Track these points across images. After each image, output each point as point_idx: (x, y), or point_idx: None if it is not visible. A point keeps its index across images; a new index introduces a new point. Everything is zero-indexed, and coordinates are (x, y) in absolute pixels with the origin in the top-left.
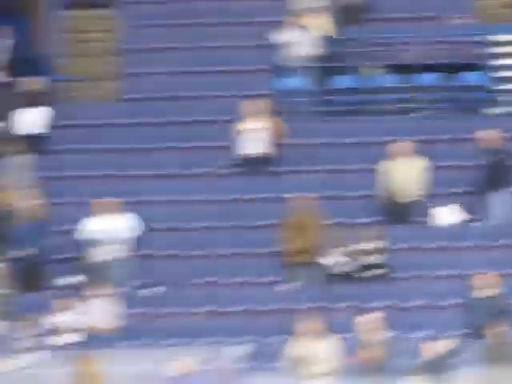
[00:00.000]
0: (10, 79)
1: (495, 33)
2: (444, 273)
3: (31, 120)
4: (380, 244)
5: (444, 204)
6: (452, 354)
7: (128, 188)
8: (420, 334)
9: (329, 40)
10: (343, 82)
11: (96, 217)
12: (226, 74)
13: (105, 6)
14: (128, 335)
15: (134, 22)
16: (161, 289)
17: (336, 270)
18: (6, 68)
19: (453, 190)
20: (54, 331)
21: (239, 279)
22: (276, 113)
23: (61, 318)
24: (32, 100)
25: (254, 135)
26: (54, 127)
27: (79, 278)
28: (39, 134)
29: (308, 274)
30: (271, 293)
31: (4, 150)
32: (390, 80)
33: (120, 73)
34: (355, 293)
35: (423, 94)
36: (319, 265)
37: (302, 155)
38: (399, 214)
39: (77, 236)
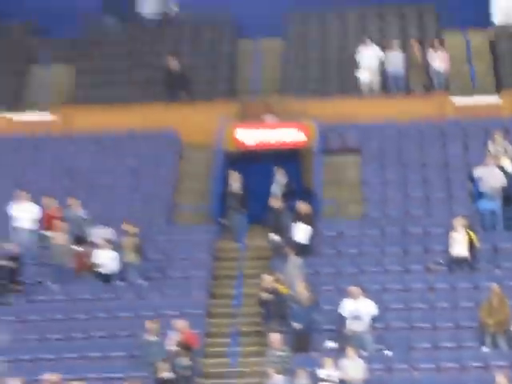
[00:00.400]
0: (286, 204)
1: None
2: None
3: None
4: None
5: None
6: None
7: (369, 279)
8: None
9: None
10: None
11: (349, 300)
12: (441, 198)
13: (352, 152)
14: None
15: (374, 162)
16: (390, 351)
17: None
18: (283, 196)
19: None
20: (321, 382)
21: (453, 344)
22: (475, 226)
23: (325, 372)
24: (301, 218)
25: (460, 242)
26: (318, 237)
27: (337, 343)
28: (307, 242)
29: (501, 340)
30: (476, 354)
31: (284, 254)
32: None
33: (365, 198)
34: None
35: None
36: (509, 333)
37: (494, 256)
38: None
39: (337, 313)
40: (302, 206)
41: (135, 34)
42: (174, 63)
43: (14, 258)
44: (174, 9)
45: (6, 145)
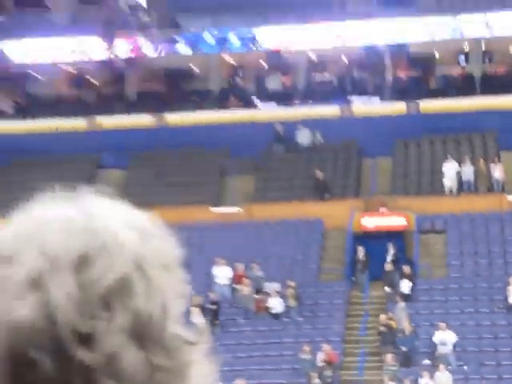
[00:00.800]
0: (395, 267)
1: None
2: None
3: (402, 286)
4: None
5: None
6: None
7: (452, 318)
8: None
9: None
10: None
11: (439, 331)
12: (501, 263)
13: (439, 233)
14: None
15: (455, 239)
16: (467, 367)
17: None
18: (392, 262)
19: None
20: None
21: (510, 362)
22: None
23: (423, 381)
24: (405, 277)
25: None
26: (417, 290)
27: (431, 361)
28: (409, 293)
29: None
30: None
31: (394, 301)
32: None
33: (448, 264)
34: None
35: None
36: None
37: None
38: None
39: (431, 341)
40: (406, 269)
41: (295, 156)
42: (320, 174)
43: (215, 303)
44: (320, 139)
45: (221, 229)
